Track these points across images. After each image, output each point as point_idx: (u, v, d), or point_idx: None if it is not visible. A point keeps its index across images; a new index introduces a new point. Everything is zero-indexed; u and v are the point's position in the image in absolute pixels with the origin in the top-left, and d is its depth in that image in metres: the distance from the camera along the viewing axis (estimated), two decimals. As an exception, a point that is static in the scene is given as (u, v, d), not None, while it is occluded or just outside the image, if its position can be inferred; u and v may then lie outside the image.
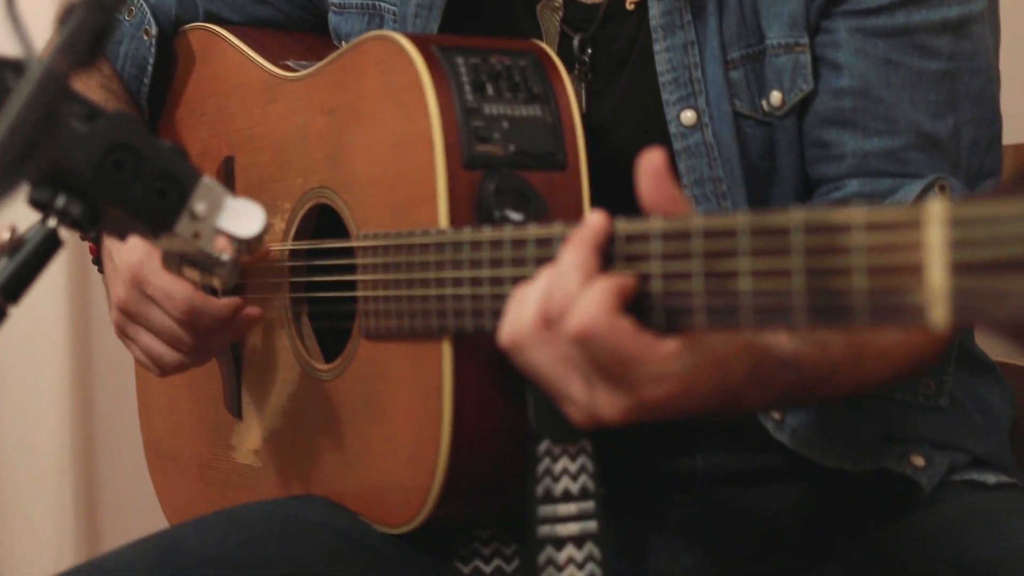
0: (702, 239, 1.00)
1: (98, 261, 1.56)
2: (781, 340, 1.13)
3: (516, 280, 1.15)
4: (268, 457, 1.52)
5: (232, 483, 1.58)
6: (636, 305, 1.05)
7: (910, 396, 1.45)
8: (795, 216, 0.94)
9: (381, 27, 1.50)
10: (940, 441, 1.44)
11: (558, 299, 1.05)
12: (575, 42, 1.42)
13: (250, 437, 1.55)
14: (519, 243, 1.16)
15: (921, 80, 1.35)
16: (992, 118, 1.40)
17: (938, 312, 0.85)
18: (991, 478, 1.43)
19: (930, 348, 1.29)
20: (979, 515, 1.35)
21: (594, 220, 1.06)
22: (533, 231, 1.15)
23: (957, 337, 1.44)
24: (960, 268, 0.84)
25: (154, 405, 1.74)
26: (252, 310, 1.44)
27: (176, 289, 1.40)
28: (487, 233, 1.19)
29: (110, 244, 1.49)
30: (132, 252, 1.43)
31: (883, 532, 1.38)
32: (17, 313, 1.11)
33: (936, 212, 0.86)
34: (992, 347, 1.55)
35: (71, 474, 2.45)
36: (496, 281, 1.18)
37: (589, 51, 1.42)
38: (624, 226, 1.06)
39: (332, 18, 1.56)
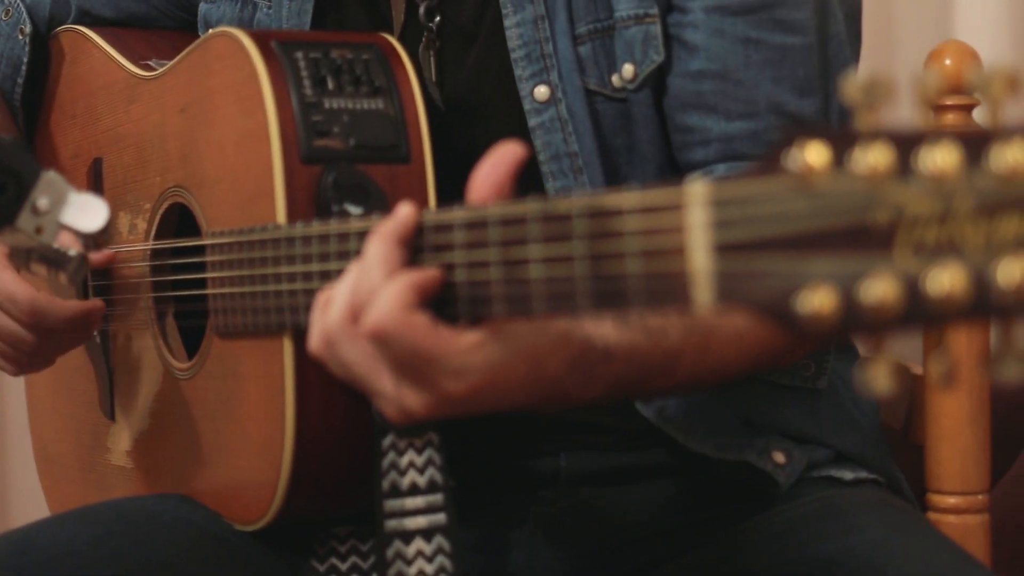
0: (498, 227, 0.99)
1: None
2: (604, 331, 1.11)
3: (341, 274, 1.14)
4: (138, 458, 1.52)
5: (109, 485, 1.58)
6: (442, 297, 1.04)
7: (786, 379, 1.42)
8: (577, 202, 0.94)
9: (254, 14, 1.49)
10: (805, 434, 1.43)
11: (362, 294, 1.04)
12: (422, 10, 1.40)
13: (123, 439, 1.55)
14: (343, 237, 1.15)
15: (785, 56, 1.33)
16: None
17: (702, 294, 0.85)
18: (848, 474, 1.42)
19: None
20: (830, 511, 1.34)
21: (401, 212, 1.06)
22: (355, 224, 1.14)
23: None
24: (721, 249, 0.84)
25: (41, 409, 1.74)
26: (99, 309, 1.43)
27: (18, 290, 1.39)
28: (315, 228, 1.19)
29: None
30: None
31: (736, 528, 1.37)
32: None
33: (697, 193, 0.85)
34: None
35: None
36: (324, 275, 1.17)
37: (437, 19, 1.40)
38: (431, 216, 1.05)
39: (203, 7, 1.55)
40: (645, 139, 1.37)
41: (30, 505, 2.39)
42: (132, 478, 1.53)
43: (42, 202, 1.18)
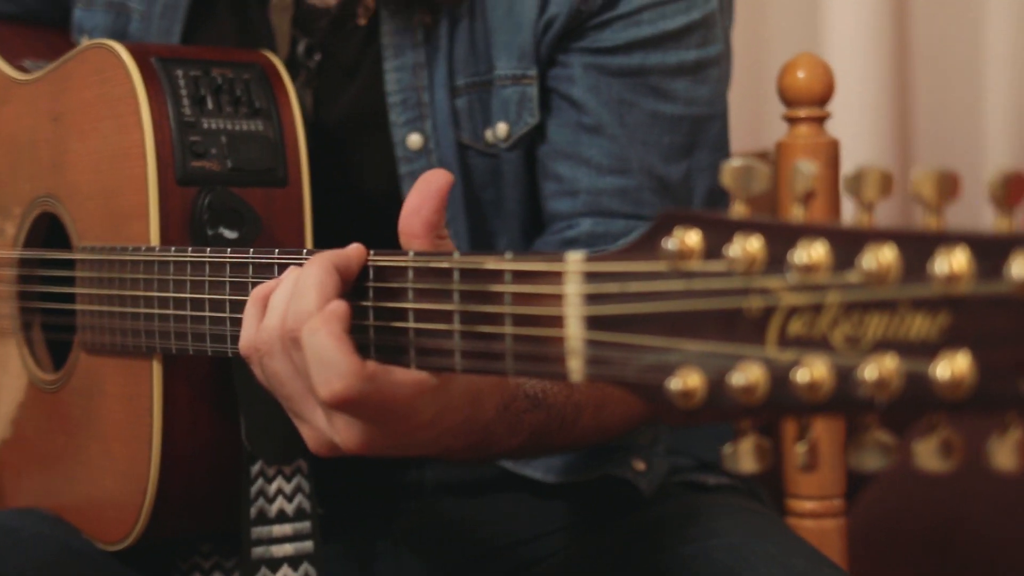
0: (371, 280, 0.99)
1: None
2: (528, 379, 1.11)
3: (233, 305, 1.12)
4: (-2, 466, 1.50)
5: (-34, 489, 1.55)
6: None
7: (624, 444, 1.44)
8: (455, 260, 0.94)
9: (127, 25, 1.46)
10: (666, 447, 1.45)
11: (293, 317, 0.99)
12: (301, 48, 1.39)
13: (-18, 444, 1.52)
14: (218, 266, 1.14)
15: (655, 122, 1.35)
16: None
17: (574, 364, 0.86)
18: (711, 479, 1.45)
19: None
20: (691, 515, 1.35)
21: (351, 246, 1.02)
22: (231, 255, 1.13)
23: None
24: (594, 321, 0.85)
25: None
26: None
27: None
28: (190, 254, 1.17)
29: None
30: None
31: (599, 533, 1.39)
32: None
33: (573, 265, 0.86)
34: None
35: None
36: (197, 303, 1.16)
37: (317, 57, 1.39)
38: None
39: (77, 13, 1.51)
40: (512, 196, 1.37)
41: None
42: (-9, 485, 1.51)
43: None
